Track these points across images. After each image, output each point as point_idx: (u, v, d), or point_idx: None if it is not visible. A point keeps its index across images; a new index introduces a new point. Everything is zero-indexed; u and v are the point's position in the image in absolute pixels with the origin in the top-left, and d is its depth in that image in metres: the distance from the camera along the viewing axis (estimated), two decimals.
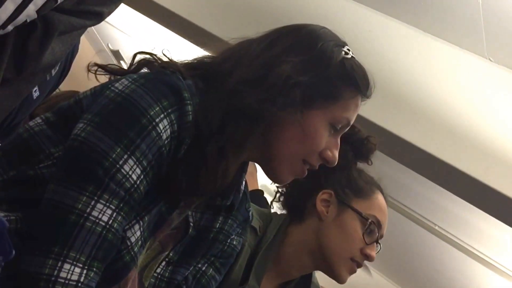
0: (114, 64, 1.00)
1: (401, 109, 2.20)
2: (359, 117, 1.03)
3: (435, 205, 2.95)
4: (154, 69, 0.94)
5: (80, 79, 0.97)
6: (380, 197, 1.31)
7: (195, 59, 1.01)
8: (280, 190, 1.40)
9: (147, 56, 0.97)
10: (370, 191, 1.30)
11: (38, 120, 0.91)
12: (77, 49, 1.42)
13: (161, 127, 0.82)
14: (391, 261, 4.01)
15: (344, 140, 1.35)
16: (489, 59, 2.18)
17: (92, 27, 3.96)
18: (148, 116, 0.81)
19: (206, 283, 1.09)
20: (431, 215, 3.10)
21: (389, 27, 2.34)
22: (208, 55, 1.03)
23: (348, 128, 1.01)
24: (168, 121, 0.83)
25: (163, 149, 0.83)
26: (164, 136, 0.83)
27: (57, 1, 0.78)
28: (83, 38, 1.23)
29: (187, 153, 0.87)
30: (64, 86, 1.76)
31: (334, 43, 0.98)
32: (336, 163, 1.00)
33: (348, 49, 0.99)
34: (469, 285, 3.40)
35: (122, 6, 1.18)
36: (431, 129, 2.15)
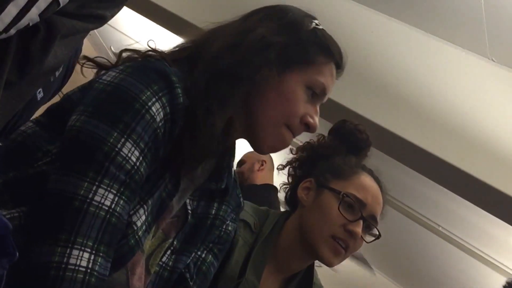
0: (102, 57, 1.02)
1: (404, 110, 2.20)
2: (364, 120, 1.03)
3: (438, 205, 2.95)
4: (140, 58, 0.98)
5: (82, 82, 0.98)
6: (363, 178, 1.30)
7: (176, 46, 1.06)
8: (284, 186, 1.43)
9: (133, 52, 1.01)
10: (351, 172, 1.30)
11: (29, 123, 0.92)
12: (80, 50, 1.42)
13: (154, 110, 0.84)
14: (394, 261, 4.01)
15: (334, 132, 1.36)
16: (492, 60, 2.18)
17: (95, 30, 3.97)
18: (141, 101, 0.83)
19: (206, 270, 1.11)
20: (434, 216, 3.10)
21: (391, 28, 2.34)
22: (188, 40, 1.07)
23: (325, 97, 1.04)
24: (160, 104, 0.85)
25: (158, 131, 0.86)
26: (158, 119, 0.85)
27: (59, 5, 0.78)
28: (85, 40, 1.24)
29: (183, 128, 0.90)
30: (67, 89, 1.76)
31: (304, 14, 1.05)
32: (317, 129, 1.02)
33: (319, 23, 1.05)
34: (473, 286, 3.39)
35: (124, 9, 1.18)
36: (434, 130, 2.15)
